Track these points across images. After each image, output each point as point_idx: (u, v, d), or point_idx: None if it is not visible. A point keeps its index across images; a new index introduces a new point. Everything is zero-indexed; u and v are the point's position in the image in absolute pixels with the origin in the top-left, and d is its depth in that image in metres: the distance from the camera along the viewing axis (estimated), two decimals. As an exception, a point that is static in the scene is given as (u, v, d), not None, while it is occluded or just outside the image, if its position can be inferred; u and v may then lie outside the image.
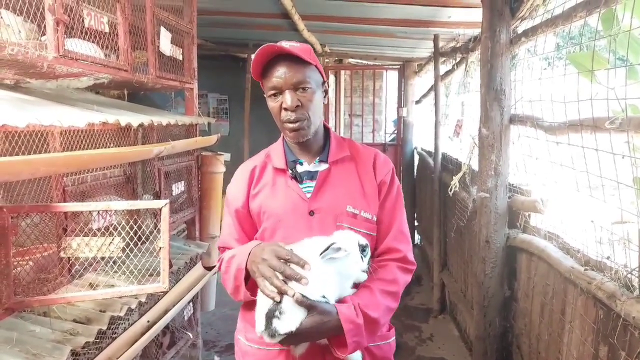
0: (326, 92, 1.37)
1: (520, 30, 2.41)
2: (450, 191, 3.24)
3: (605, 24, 1.62)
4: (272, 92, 1.27)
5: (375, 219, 1.34)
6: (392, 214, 1.36)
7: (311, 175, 1.35)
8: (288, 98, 1.25)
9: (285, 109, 1.26)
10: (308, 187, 1.33)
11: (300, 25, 4.01)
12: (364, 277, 1.26)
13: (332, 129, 1.45)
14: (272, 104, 1.30)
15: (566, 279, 1.87)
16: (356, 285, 1.26)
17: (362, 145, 1.46)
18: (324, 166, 1.35)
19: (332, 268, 1.17)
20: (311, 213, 1.30)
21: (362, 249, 1.22)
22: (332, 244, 1.16)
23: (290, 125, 1.28)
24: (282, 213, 1.31)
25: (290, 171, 1.34)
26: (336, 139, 1.42)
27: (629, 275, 1.48)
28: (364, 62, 6.49)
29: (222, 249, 1.42)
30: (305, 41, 4.85)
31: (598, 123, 1.54)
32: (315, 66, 1.30)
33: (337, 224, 1.29)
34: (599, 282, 1.57)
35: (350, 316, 1.16)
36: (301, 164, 1.37)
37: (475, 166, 2.82)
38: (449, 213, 3.93)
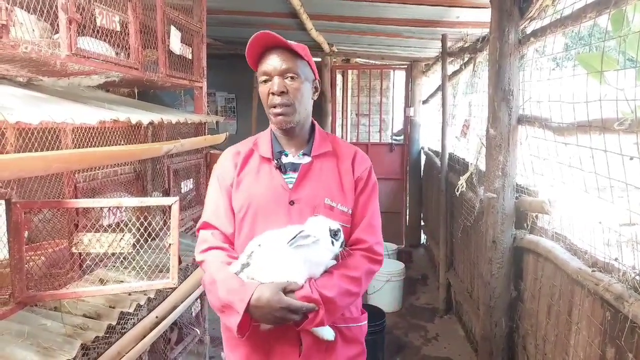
0: (317, 89, 1.46)
1: (529, 30, 2.41)
2: (457, 191, 3.24)
3: (615, 24, 1.62)
4: (264, 77, 1.37)
5: (350, 212, 1.41)
6: (365, 208, 1.43)
7: (294, 167, 1.42)
8: (275, 83, 1.34)
9: (272, 94, 1.35)
10: (290, 178, 1.40)
11: (309, 24, 4.02)
12: (332, 263, 1.33)
13: (318, 125, 1.53)
14: (262, 88, 1.39)
15: (573, 280, 1.86)
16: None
17: (344, 142, 1.55)
18: (307, 159, 1.43)
19: (301, 255, 1.25)
20: (291, 203, 1.37)
21: (334, 233, 1.30)
22: (301, 231, 1.24)
23: (275, 110, 1.36)
24: (264, 201, 1.38)
25: (275, 161, 1.41)
26: (321, 134, 1.49)
27: (636, 277, 1.48)
28: (372, 61, 6.49)
29: (207, 226, 1.43)
30: (313, 40, 4.86)
31: (607, 124, 1.54)
32: (308, 62, 1.40)
33: (315, 215, 1.36)
34: (607, 283, 1.57)
35: (306, 293, 1.24)
36: (286, 155, 1.44)
37: (482, 166, 2.82)
38: (455, 213, 3.92)
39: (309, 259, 1.27)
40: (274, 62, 1.34)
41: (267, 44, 1.35)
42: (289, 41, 1.36)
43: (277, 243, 1.26)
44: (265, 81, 1.37)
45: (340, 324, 1.40)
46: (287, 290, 1.23)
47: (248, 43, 1.34)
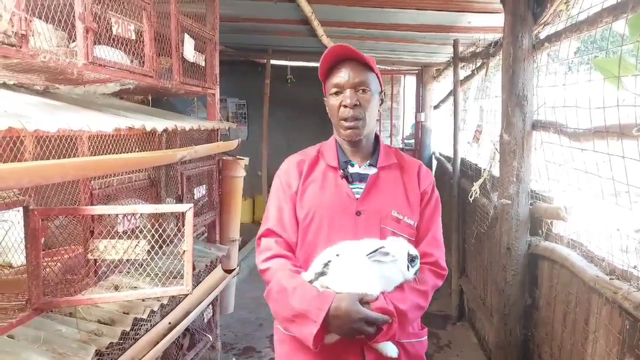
0: (382, 101, 1.45)
1: (542, 35, 2.39)
2: (471, 197, 3.21)
3: (633, 29, 1.60)
4: (334, 90, 1.36)
5: (416, 225, 1.40)
6: (430, 221, 1.43)
7: (360, 178, 1.41)
8: (349, 96, 1.34)
9: (345, 106, 1.35)
10: (357, 188, 1.39)
11: (320, 31, 4.04)
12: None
13: (381, 137, 1.53)
14: (332, 101, 1.38)
15: (590, 288, 1.84)
16: None
17: (407, 155, 1.53)
18: (373, 170, 1.42)
19: (376, 269, 1.24)
20: (358, 213, 1.36)
21: (412, 259, 1.28)
22: (382, 247, 1.24)
23: (347, 123, 1.36)
24: (330, 210, 1.37)
25: (342, 171, 1.40)
26: (384, 146, 1.49)
27: (656, 285, 1.45)
28: (382, 67, 6.48)
29: (270, 233, 1.42)
30: (324, 47, 4.87)
31: (625, 130, 1.52)
32: (377, 75, 1.39)
33: (382, 227, 1.35)
34: (626, 291, 1.54)
35: (382, 305, 1.22)
36: (352, 165, 1.43)
37: (496, 172, 2.79)
38: (467, 219, 3.89)
39: (384, 275, 1.26)
40: (347, 74, 1.34)
41: (340, 56, 1.35)
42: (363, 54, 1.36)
43: (356, 254, 1.25)
44: (336, 93, 1.36)
45: (404, 340, 1.36)
46: (362, 302, 1.21)
47: (323, 55, 1.35)
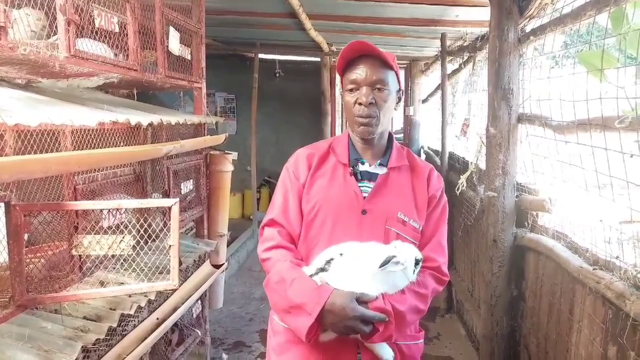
0: (400, 99, 1.43)
1: (528, 29, 2.41)
2: (458, 190, 3.24)
3: (615, 22, 1.62)
4: (351, 86, 1.35)
5: (421, 229, 1.40)
6: (436, 226, 1.42)
7: (370, 176, 1.40)
8: (364, 94, 1.32)
9: (360, 104, 1.33)
10: (365, 186, 1.39)
11: (307, 24, 4.02)
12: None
13: (394, 136, 1.51)
14: (348, 98, 1.37)
15: (575, 279, 1.86)
16: None
17: (418, 157, 1.53)
18: (383, 170, 1.41)
19: (384, 277, 1.24)
20: (363, 212, 1.35)
21: (416, 262, 1.28)
22: (394, 257, 1.22)
23: (361, 120, 1.34)
24: (336, 206, 1.36)
25: (351, 168, 1.39)
26: (397, 147, 1.48)
27: (638, 275, 1.47)
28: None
29: (274, 223, 1.42)
30: (312, 40, 4.86)
31: (607, 122, 1.54)
32: (395, 73, 1.37)
33: (386, 227, 1.34)
34: (608, 281, 1.57)
35: (379, 305, 1.22)
36: (363, 163, 1.42)
37: (482, 165, 2.81)
38: (455, 212, 3.92)
39: (390, 282, 1.26)
40: (364, 71, 1.33)
41: (359, 52, 1.34)
42: (382, 50, 1.34)
43: (360, 256, 1.25)
44: (352, 90, 1.35)
45: (401, 342, 1.36)
46: (360, 301, 1.21)
47: (342, 51, 1.34)
